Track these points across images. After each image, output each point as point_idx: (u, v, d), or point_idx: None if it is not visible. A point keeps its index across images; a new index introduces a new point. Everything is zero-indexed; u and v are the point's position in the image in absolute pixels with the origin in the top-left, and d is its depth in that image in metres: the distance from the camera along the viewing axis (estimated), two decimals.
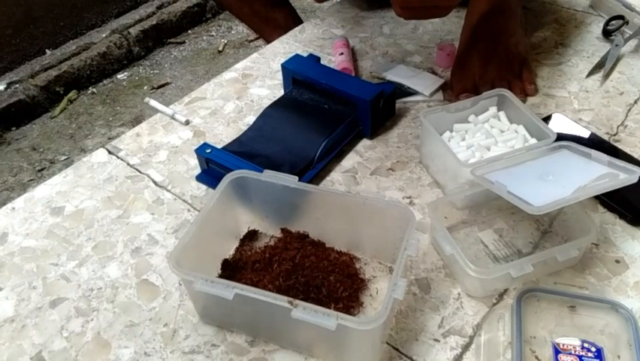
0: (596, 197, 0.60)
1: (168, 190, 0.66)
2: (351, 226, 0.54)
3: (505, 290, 0.53)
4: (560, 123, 0.70)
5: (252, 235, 0.59)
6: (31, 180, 1.50)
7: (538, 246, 0.57)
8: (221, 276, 0.54)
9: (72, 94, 1.78)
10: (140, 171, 0.68)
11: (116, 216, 0.63)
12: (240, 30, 2.02)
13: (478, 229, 0.59)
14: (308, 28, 0.93)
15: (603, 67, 0.79)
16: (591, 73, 0.79)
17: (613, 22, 0.87)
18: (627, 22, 0.85)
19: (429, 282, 0.54)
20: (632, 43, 0.84)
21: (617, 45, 0.82)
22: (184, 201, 0.64)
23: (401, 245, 0.47)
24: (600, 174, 0.50)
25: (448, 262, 0.55)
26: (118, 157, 0.71)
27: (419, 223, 0.60)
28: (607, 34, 0.86)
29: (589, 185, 0.50)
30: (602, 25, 0.87)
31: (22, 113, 1.69)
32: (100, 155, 0.71)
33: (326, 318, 0.42)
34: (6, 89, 1.69)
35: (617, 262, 0.55)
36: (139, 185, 0.67)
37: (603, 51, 0.82)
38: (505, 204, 0.52)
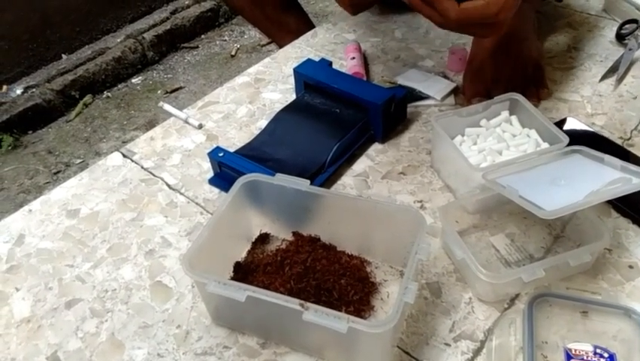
0: (609, 202, 0.60)
1: (181, 193, 0.67)
2: (363, 229, 0.54)
3: (517, 295, 0.53)
4: (574, 127, 0.69)
5: (263, 238, 0.59)
6: (47, 182, 1.52)
7: (551, 251, 0.57)
8: (233, 278, 0.54)
9: (87, 98, 1.81)
10: (153, 175, 0.69)
11: (130, 219, 0.64)
12: (253, 34, 2.04)
13: (489, 233, 0.59)
14: (320, 33, 0.94)
15: (616, 71, 0.79)
16: (604, 77, 0.79)
17: (626, 26, 0.86)
18: None
19: (440, 286, 0.54)
20: None
21: (630, 49, 0.81)
22: (197, 204, 0.65)
23: (412, 249, 0.47)
24: (613, 179, 0.50)
25: (459, 266, 0.55)
26: (132, 160, 0.72)
27: (430, 227, 0.60)
28: (620, 38, 0.85)
29: (601, 190, 0.49)
30: (615, 29, 0.87)
31: (39, 117, 1.71)
32: (114, 158, 0.72)
33: (337, 321, 0.42)
34: (23, 93, 1.72)
35: (631, 267, 0.55)
36: (153, 188, 0.68)
37: (616, 55, 0.82)
38: (517, 208, 0.52)
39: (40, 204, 0.67)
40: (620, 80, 0.78)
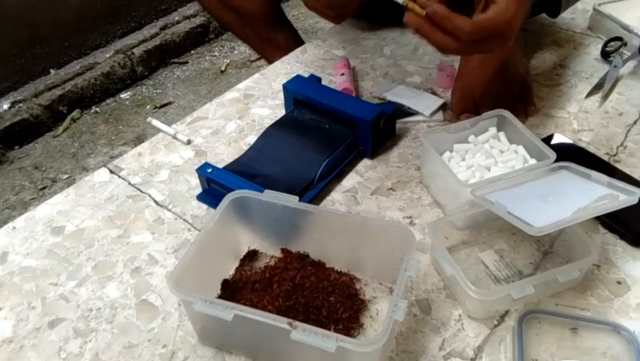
0: (597, 218, 0.60)
1: (169, 210, 0.66)
2: (352, 246, 0.54)
3: (507, 312, 0.53)
4: (561, 143, 0.70)
5: (252, 255, 0.59)
6: (33, 198, 1.50)
7: (540, 267, 0.57)
8: (220, 296, 0.54)
9: (75, 113, 1.80)
10: (141, 191, 0.69)
11: (117, 236, 0.63)
12: (243, 50, 2.04)
13: (478, 249, 0.59)
14: (309, 49, 0.94)
15: (602, 88, 0.80)
16: (590, 94, 0.80)
17: (611, 43, 0.87)
18: (625, 44, 0.86)
19: (430, 303, 0.54)
20: (631, 64, 0.84)
21: (615, 66, 0.83)
22: (185, 220, 0.64)
23: (401, 266, 0.47)
24: (600, 195, 0.50)
25: (449, 282, 0.55)
26: (119, 176, 0.71)
27: (420, 243, 0.60)
28: (605, 55, 0.87)
29: (589, 206, 0.50)
30: (600, 46, 0.88)
31: (26, 132, 1.70)
32: (101, 174, 0.71)
33: (326, 340, 0.41)
34: (10, 108, 1.71)
35: (619, 283, 0.55)
36: (140, 204, 0.67)
37: (602, 72, 0.83)
38: (506, 224, 0.52)
39: (25, 221, 0.66)
40: (605, 97, 0.79)
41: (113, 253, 0.61)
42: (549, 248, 0.58)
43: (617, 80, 0.82)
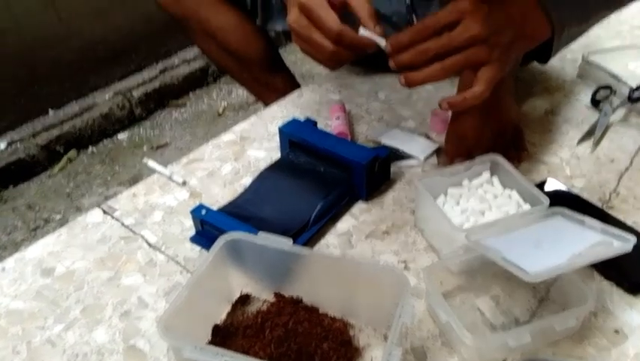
0: (592, 264, 0.59)
1: (162, 251, 0.65)
2: (346, 290, 0.53)
3: (504, 360, 0.52)
4: (555, 189, 0.70)
5: (244, 299, 0.58)
6: (24, 239, 1.49)
7: (536, 314, 0.56)
8: (211, 342, 0.52)
9: (72, 153, 1.80)
10: (134, 232, 0.68)
11: (107, 278, 0.62)
12: (241, 93, 2.07)
13: (474, 295, 0.58)
14: (306, 93, 0.96)
15: (593, 135, 0.81)
16: (582, 140, 0.81)
17: (601, 91, 0.89)
18: (614, 92, 0.88)
19: (425, 351, 0.53)
20: (620, 112, 0.86)
21: (605, 114, 0.84)
22: (177, 262, 0.64)
23: (396, 312, 0.46)
24: (595, 242, 0.50)
25: (445, 329, 0.54)
26: (113, 217, 0.70)
27: (414, 288, 0.59)
28: (595, 103, 0.89)
29: (584, 253, 0.49)
30: (590, 94, 0.90)
31: (21, 171, 1.69)
32: (95, 215, 0.71)
33: None
34: (6, 147, 1.71)
35: (617, 332, 0.54)
36: (132, 246, 0.66)
37: (592, 119, 0.85)
38: (501, 270, 0.52)
39: (15, 261, 0.65)
40: (597, 144, 0.80)
41: (102, 296, 0.60)
42: (545, 295, 0.58)
43: (607, 127, 0.83)
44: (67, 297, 0.60)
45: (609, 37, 1.09)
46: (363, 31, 0.60)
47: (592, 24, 0.75)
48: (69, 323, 0.57)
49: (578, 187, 0.72)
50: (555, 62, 0.77)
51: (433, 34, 0.58)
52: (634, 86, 0.86)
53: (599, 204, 0.69)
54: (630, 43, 1.06)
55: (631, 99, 0.85)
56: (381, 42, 0.60)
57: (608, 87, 0.89)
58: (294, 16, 0.63)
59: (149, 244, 0.66)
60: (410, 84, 0.59)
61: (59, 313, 0.58)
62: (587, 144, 0.80)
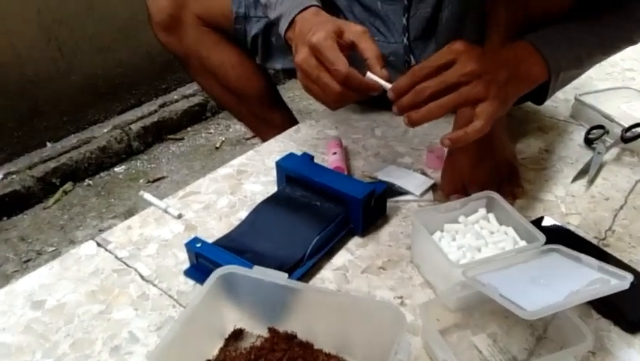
0: (590, 302, 0.59)
1: (154, 285, 0.64)
2: (341, 326, 0.52)
3: None
4: (551, 226, 0.70)
5: (237, 335, 0.57)
6: (16, 271, 1.47)
7: (534, 353, 0.55)
8: None
9: (67, 185, 1.80)
10: (127, 265, 0.67)
11: (98, 312, 0.61)
12: (238, 128, 2.09)
13: (471, 332, 0.57)
14: (303, 129, 0.97)
15: (587, 173, 0.82)
16: (576, 178, 0.82)
17: (594, 131, 0.91)
18: (607, 132, 0.89)
19: None
20: (614, 151, 0.87)
21: (599, 153, 0.85)
22: (170, 296, 0.63)
23: (392, 349, 0.45)
24: (592, 279, 0.50)
25: None
26: (106, 250, 0.70)
27: (411, 325, 0.58)
28: (589, 142, 0.90)
29: (581, 290, 0.49)
30: (583, 133, 0.91)
31: (16, 203, 1.69)
32: (88, 247, 0.70)
33: None
34: (2, 179, 1.71)
35: None
36: (125, 279, 0.65)
37: (586, 158, 0.86)
38: (498, 307, 0.51)
39: (5, 294, 0.63)
40: (591, 182, 0.81)
41: (92, 330, 0.58)
42: (543, 333, 0.57)
43: (601, 166, 0.84)
44: (56, 331, 0.59)
45: (600, 78, 1.12)
46: (370, 75, 0.62)
47: (587, 68, 0.78)
48: (57, 357, 0.55)
49: (574, 225, 0.72)
50: (548, 102, 0.79)
51: (430, 75, 0.59)
52: (626, 125, 0.88)
53: (595, 242, 0.69)
54: (621, 84, 1.08)
55: (624, 139, 0.86)
56: (387, 86, 0.61)
57: (600, 127, 0.90)
58: (303, 56, 0.64)
59: (142, 277, 0.65)
60: (412, 123, 0.60)
61: (48, 347, 0.57)
62: (582, 182, 0.81)
